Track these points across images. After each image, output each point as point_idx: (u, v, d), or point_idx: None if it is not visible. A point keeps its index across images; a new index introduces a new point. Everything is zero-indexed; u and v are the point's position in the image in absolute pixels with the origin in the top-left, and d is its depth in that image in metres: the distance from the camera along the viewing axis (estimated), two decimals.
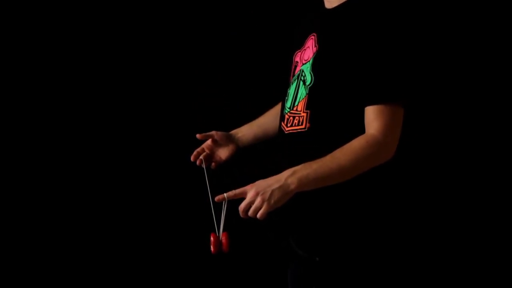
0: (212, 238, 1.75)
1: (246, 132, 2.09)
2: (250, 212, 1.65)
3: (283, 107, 1.91)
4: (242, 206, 1.66)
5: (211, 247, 1.75)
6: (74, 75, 2.97)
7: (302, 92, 1.82)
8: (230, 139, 2.07)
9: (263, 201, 1.64)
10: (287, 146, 1.84)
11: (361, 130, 1.73)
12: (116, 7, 2.95)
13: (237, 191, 1.67)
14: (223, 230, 1.76)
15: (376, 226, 1.77)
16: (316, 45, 1.83)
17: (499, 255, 2.79)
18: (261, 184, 1.66)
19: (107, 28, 2.95)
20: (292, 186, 1.65)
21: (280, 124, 1.89)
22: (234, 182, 1.77)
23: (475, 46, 2.78)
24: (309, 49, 1.85)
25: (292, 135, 1.81)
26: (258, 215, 1.65)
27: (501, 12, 2.76)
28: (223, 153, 2.06)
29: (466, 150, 2.81)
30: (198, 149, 2.05)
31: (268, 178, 1.67)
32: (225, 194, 1.69)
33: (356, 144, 1.69)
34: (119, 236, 3.00)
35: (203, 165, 2.01)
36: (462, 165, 2.80)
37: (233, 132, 2.09)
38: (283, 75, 2.01)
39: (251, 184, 1.66)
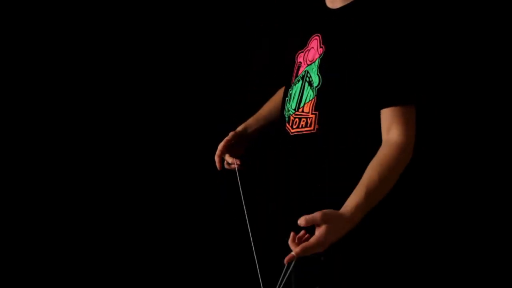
0: None
1: (254, 126, 2.04)
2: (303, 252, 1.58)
3: (284, 109, 1.88)
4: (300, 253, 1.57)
5: None
6: (74, 75, 2.96)
7: (309, 93, 1.80)
8: (241, 136, 2.01)
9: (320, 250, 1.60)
10: (293, 148, 1.82)
11: (370, 130, 1.73)
12: (116, 7, 2.94)
13: (309, 245, 1.57)
14: None
15: (382, 226, 1.77)
16: (322, 46, 1.81)
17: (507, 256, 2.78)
18: (325, 241, 1.58)
19: (107, 28, 2.95)
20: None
21: (284, 125, 1.86)
22: (238, 186, 1.76)
23: (477, 46, 2.76)
24: (314, 50, 1.83)
25: (299, 137, 1.79)
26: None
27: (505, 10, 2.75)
28: (236, 151, 1.99)
29: (473, 150, 2.79)
30: (218, 154, 1.96)
31: (332, 232, 1.58)
32: (294, 253, 1.52)
33: (391, 158, 1.68)
34: (119, 236, 3.00)
35: (236, 167, 1.90)
36: (469, 165, 2.78)
37: (242, 128, 2.03)
38: (283, 75, 1.99)
39: (322, 238, 1.56)
